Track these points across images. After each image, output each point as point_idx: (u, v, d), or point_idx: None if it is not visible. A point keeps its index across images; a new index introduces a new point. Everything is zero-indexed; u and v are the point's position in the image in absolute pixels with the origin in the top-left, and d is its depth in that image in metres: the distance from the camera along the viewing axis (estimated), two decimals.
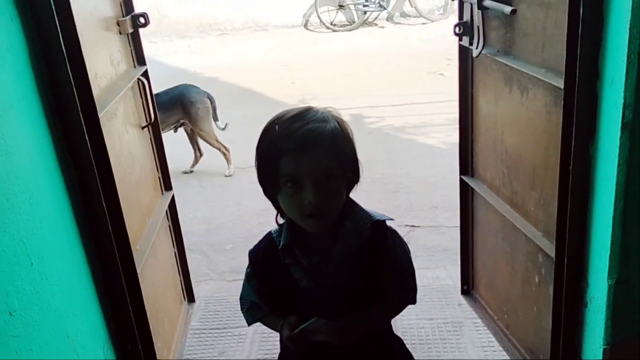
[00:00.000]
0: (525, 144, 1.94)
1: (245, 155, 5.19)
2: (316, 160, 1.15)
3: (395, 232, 1.33)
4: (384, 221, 1.30)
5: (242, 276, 3.72)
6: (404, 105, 6.10)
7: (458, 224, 2.80)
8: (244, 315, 1.43)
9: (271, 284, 1.35)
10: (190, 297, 2.78)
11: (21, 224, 1.40)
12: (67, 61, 1.54)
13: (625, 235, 1.50)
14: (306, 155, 1.14)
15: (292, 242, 1.26)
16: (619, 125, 1.41)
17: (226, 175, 4.76)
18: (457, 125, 2.44)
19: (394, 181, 4.28)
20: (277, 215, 1.31)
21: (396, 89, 6.64)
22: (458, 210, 2.73)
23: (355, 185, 1.28)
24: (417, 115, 5.78)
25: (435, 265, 3.36)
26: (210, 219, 4.08)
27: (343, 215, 1.26)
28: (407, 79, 7.01)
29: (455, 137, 2.48)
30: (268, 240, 1.35)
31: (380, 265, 1.29)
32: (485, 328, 2.55)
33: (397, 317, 2.81)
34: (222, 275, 3.39)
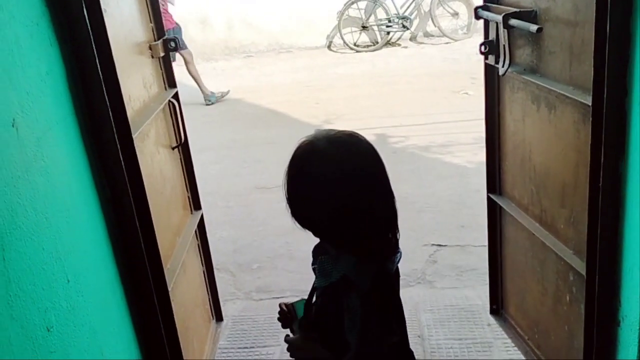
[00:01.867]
0: (553, 162, 1.94)
1: (272, 175, 5.26)
2: None
3: (365, 297, 1.23)
4: (353, 282, 1.24)
5: (268, 295, 3.69)
6: (429, 125, 6.10)
7: (486, 243, 2.78)
8: None
9: None
10: (218, 316, 2.80)
11: (58, 242, 1.44)
12: (103, 84, 1.59)
13: None
14: None
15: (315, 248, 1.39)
16: None
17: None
18: (484, 144, 2.44)
19: (420, 200, 4.26)
20: None
21: (420, 109, 6.64)
22: (485, 229, 2.72)
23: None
24: (442, 134, 5.77)
25: (464, 285, 3.34)
26: (236, 239, 4.11)
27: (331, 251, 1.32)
28: (432, 99, 7.01)
29: (481, 155, 2.48)
30: None
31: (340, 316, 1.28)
32: (516, 348, 2.51)
33: (425, 336, 2.80)
34: (249, 294, 3.41)
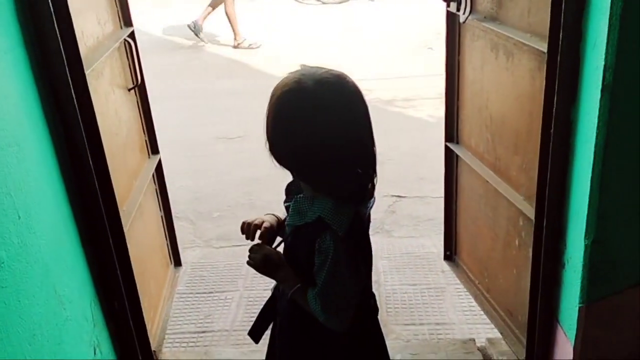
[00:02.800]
0: (509, 110, 1.97)
1: (234, 125, 5.20)
2: None
3: (340, 241, 1.24)
4: (329, 225, 1.24)
5: (228, 243, 3.69)
6: (393, 79, 6.11)
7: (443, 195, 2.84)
8: None
9: None
10: (177, 262, 2.80)
11: (8, 177, 1.40)
12: (53, 16, 1.53)
13: (602, 197, 1.53)
14: None
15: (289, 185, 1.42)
16: (600, 87, 1.43)
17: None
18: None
19: (382, 153, 4.28)
20: None
21: (385, 62, 6.64)
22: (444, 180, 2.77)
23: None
24: (406, 89, 5.80)
25: (420, 234, 3.42)
26: (196, 188, 4.09)
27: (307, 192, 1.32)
28: (397, 53, 7.01)
29: (443, 110, 2.49)
30: None
31: (308, 255, 1.29)
32: (467, 293, 2.60)
33: (381, 282, 2.87)
34: (209, 242, 3.42)
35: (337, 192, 1.25)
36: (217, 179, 4.22)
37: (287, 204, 1.40)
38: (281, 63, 6.55)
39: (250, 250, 1.40)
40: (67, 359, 1.63)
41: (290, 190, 1.42)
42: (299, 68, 1.28)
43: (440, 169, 2.67)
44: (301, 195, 1.31)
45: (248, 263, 1.40)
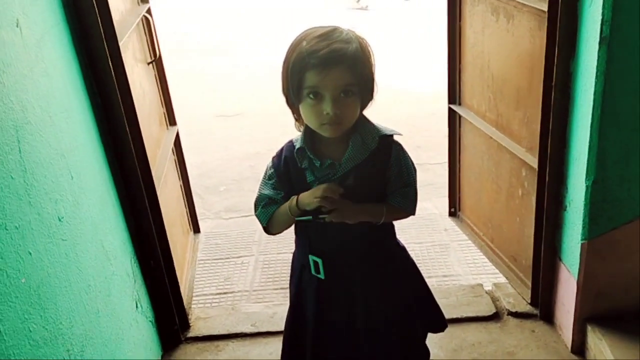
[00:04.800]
0: (510, 69, 2.11)
1: (232, 102, 5.29)
2: (337, 77, 1.29)
3: (400, 145, 1.46)
4: (391, 135, 1.45)
5: (237, 214, 3.82)
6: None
7: (441, 161, 2.98)
8: (258, 214, 1.51)
9: (288, 187, 1.48)
10: (196, 228, 2.93)
11: (61, 140, 1.53)
12: None
13: (601, 141, 1.69)
14: (329, 72, 1.27)
15: (308, 146, 1.42)
16: (598, 40, 1.58)
17: None
18: (441, 70, 2.58)
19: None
20: (295, 123, 1.46)
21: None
22: (440, 148, 2.91)
23: (370, 103, 1.42)
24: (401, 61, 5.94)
25: (422, 198, 3.55)
26: (200, 164, 4.21)
27: (355, 128, 1.41)
28: None
29: (436, 81, 2.63)
30: (289, 146, 1.49)
31: (384, 174, 1.44)
32: (471, 247, 2.77)
33: None
34: (218, 214, 3.55)
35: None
36: (220, 155, 4.34)
37: (321, 162, 1.42)
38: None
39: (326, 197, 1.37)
40: (115, 310, 1.77)
41: (304, 154, 1.44)
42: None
43: (436, 137, 2.81)
44: (355, 134, 1.41)
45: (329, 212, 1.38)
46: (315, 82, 1.29)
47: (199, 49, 6.89)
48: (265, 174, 1.52)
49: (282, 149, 1.51)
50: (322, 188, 1.36)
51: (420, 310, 1.66)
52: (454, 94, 2.58)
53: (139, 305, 1.98)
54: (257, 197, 1.52)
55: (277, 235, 1.57)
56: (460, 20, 2.42)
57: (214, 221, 3.47)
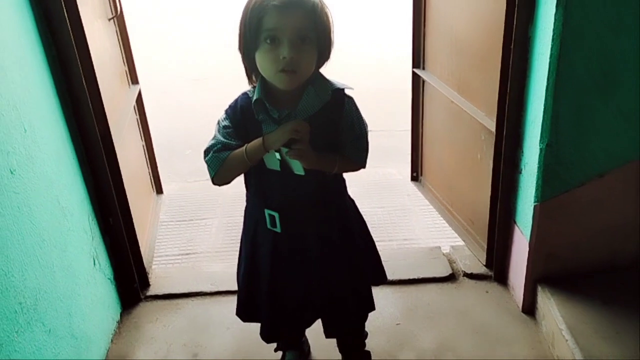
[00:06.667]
0: (472, 32, 2.13)
1: (199, 66, 5.22)
2: (295, 20, 1.29)
3: (352, 99, 1.49)
4: (343, 89, 1.46)
5: (202, 178, 3.79)
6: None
7: (406, 128, 3.01)
8: (209, 159, 1.49)
9: (243, 138, 1.46)
10: (158, 189, 2.91)
11: (14, 92, 1.49)
12: None
13: (556, 103, 1.72)
14: (287, 15, 1.28)
15: (264, 97, 1.42)
16: (555, 3, 1.60)
17: None
18: (406, 42, 2.59)
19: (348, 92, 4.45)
20: (250, 75, 1.45)
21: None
22: (406, 116, 2.93)
23: (325, 63, 1.42)
24: (368, 32, 5.91)
25: (385, 164, 3.62)
26: (168, 128, 4.17)
27: (309, 82, 1.42)
28: None
29: (403, 51, 2.64)
30: (244, 97, 1.48)
31: (337, 126, 1.46)
32: (432, 211, 2.82)
33: None
34: (183, 177, 3.54)
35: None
36: (189, 118, 4.30)
37: (278, 112, 1.43)
38: None
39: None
40: (72, 265, 1.76)
41: (261, 105, 1.44)
42: None
43: (403, 105, 2.83)
44: (310, 86, 1.42)
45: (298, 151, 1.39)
46: (274, 23, 1.29)
47: (174, 9, 6.76)
48: (219, 124, 1.50)
49: (236, 100, 1.49)
50: (291, 123, 1.37)
51: (367, 263, 1.70)
52: (418, 58, 2.59)
53: (96, 262, 1.97)
54: (210, 144, 1.50)
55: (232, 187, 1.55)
56: None
57: (179, 184, 3.45)
